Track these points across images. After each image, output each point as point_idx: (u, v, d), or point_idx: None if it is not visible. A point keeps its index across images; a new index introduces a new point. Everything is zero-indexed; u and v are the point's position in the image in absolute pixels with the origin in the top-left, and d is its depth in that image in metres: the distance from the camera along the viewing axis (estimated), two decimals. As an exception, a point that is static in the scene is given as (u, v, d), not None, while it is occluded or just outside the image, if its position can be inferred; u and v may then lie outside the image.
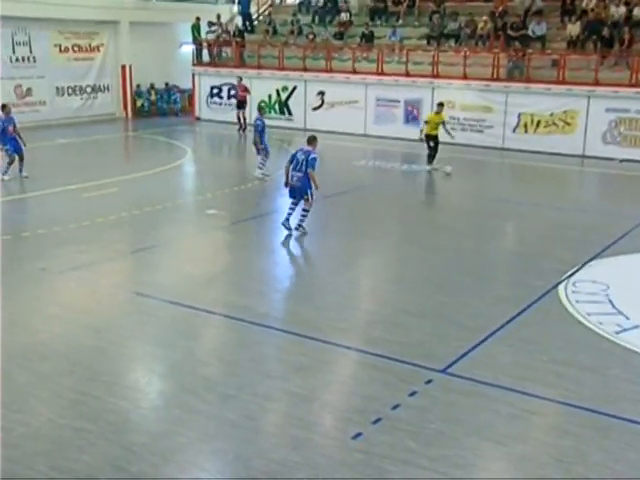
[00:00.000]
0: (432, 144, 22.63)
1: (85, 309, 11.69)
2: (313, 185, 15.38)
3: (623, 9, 27.03)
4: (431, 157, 22.78)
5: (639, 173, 23.17)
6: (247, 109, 29.98)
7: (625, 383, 9.52)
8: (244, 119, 29.68)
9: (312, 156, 15.38)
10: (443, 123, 22.77)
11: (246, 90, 30.04)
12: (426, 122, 22.91)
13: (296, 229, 15.68)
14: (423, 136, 22.80)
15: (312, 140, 15.72)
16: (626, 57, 25.56)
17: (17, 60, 29.77)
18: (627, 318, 11.50)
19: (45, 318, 11.40)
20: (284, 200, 18.98)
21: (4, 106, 20.48)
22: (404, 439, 7.99)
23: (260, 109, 22.41)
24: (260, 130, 21.12)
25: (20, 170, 20.14)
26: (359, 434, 8.07)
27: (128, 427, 8.37)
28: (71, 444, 7.92)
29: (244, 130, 29.26)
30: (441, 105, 22.96)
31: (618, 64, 25.62)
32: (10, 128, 20.00)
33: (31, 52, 30.14)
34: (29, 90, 30.24)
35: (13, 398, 8.89)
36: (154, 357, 10.41)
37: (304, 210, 15.73)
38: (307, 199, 15.56)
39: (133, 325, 11.34)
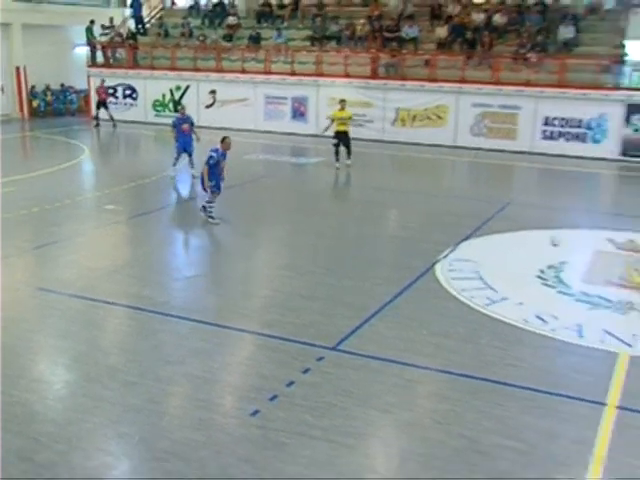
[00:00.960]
0: (341, 141, 22.17)
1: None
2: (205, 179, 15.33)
3: (483, 15, 27.79)
4: (338, 154, 22.24)
5: (503, 161, 23.87)
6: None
7: (494, 350, 9.86)
8: (110, 116, 30.36)
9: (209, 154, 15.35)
10: (350, 119, 22.44)
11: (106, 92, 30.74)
12: (332, 120, 22.48)
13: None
14: (324, 132, 22.63)
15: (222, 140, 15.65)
16: (487, 58, 26.24)
17: None
18: (495, 292, 11.87)
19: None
20: (178, 195, 18.95)
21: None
22: (299, 413, 8.06)
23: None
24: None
25: None
26: (257, 411, 8.10)
27: (34, 418, 8.14)
28: (-24, 438, 7.70)
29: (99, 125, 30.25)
30: (343, 101, 22.58)
31: (481, 64, 26.30)
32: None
33: None
34: None
35: None
36: (58, 349, 10.16)
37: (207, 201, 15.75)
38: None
39: (37, 319, 11.05)
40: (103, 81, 30.50)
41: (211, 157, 15.31)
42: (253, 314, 11.13)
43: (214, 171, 15.38)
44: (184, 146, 20.22)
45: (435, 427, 7.95)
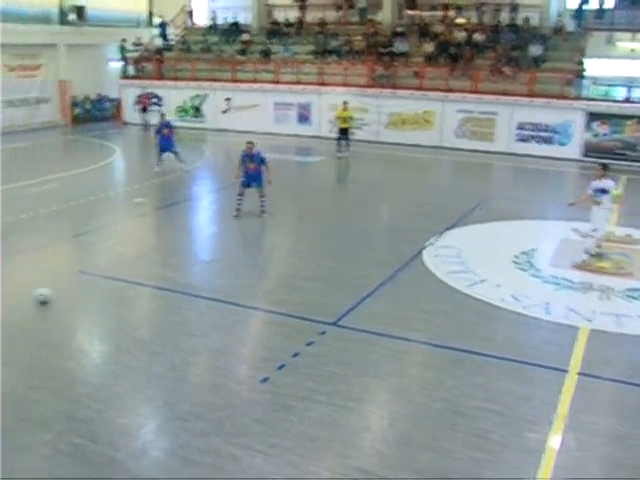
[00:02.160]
0: (343, 135, 23.42)
1: (35, 286, 11.30)
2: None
3: (464, 34, 27.71)
4: (339, 144, 23.45)
5: (482, 160, 23.79)
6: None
7: (474, 325, 9.89)
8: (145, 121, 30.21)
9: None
10: (351, 118, 23.64)
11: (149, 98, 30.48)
12: (337, 118, 23.86)
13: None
14: (337, 129, 23.84)
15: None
16: (468, 70, 26.16)
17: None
18: (476, 274, 11.83)
19: (1, 294, 10.99)
20: (199, 188, 18.94)
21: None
22: (304, 380, 8.08)
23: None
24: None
25: None
26: (267, 378, 8.12)
27: (75, 382, 8.20)
28: (29, 399, 7.76)
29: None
30: (346, 103, 23.79)
31: (463, 75, 26.19)
32: None
33: (-16, 72, 28.98)
34: (-18, 104, 29.02)
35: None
36: (95, 324, 10.19)
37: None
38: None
39: (77, 298, 11.05)
40: (144, 89, 30.45)
41: (241, 156, 15.52)
42: (263, 293, 11.10)
43: (242, 168, 15.44)
44: (165, 147, 20.48)
45: (422, 392, 7.97)
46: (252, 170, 15.39)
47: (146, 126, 29.58)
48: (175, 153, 20.64)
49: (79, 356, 9.07)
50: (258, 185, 15.48)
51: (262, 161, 15.40)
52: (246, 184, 15.50)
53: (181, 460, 6.62)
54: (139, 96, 31.28)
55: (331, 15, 32.38)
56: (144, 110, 30.52)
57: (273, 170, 15.66)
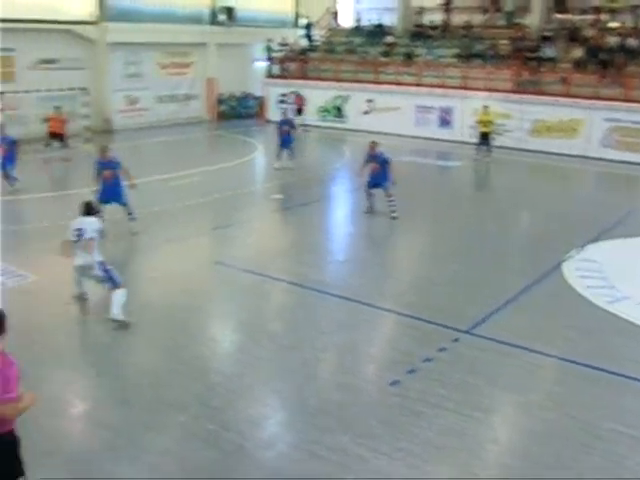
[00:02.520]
0: (484, 140, 23.19)
1: (176, 274, 11.82)
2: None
3: (617, 38, 26.44)
4: (479, 149, 23.29)
5: (630, 172, 22.60)
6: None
7: (614, 343, 9.38)
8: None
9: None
10: (492, 122, 23.35)
11: (302, 99, 30.12)
12: (478, 122, 23.50)
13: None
14: (477, 133, 23.52)
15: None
16: (620, 78, 24.94)
17: (129, 76, 30.22)
18: (618, 291, 11.27)
19: (145, 280, 11.54)
20: (336, 188, 19.08)
21: None
22: (434, 386, 7.97)
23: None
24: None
25: None
26: (396, 381, 8.07)
27: (208, 370, 8.48)
28: (166, 381, 8.09)
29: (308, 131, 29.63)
30: (486, 107, 23.38)
31: (614, 83, 25.01)
32: None
33: (139, 69, 30.59)
34: (137, 99, 30.70)
35: (125, 341, 9.15)
36: (230, 314, 10.50)
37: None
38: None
39: (215, 288, 11.45)
40: (297, 91, 30.50)
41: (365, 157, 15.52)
42: (395, 295, 11.04)
43: (367, 168, 15.49)
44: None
45: (553, 409, 7.66)
46: (375, 170, 15.39)
47: (305, 127, 29.46)
48: (290, 150, 20.92)
49: (213, 345, 9.39)
50: (382, 186, 15.44)
51: (385, 162, 15.36)
52: (371, 185, 15.52)
53: (307, 454, 6.69)
54: (294, 98, 31.18)
55: (477, 18, 31.88)
56: (299, 112, 30.22)
57: (397, 171, 15.55)
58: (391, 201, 15.37)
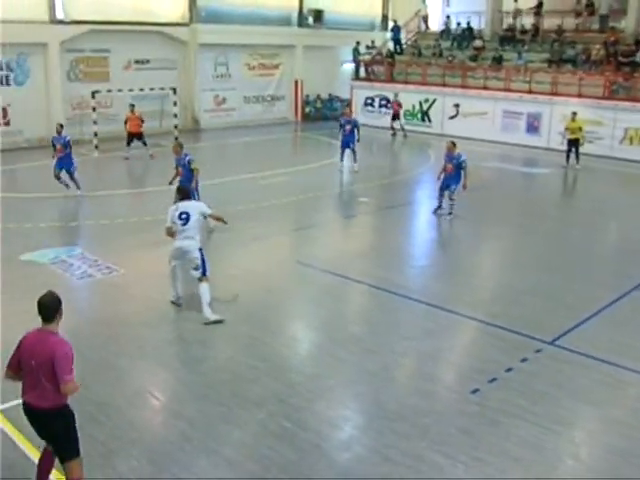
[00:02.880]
0: (572, 147, 22.65)
1: (258, 271, 11.96)
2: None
3: None
4: (568, 157, 22.70)
5: None
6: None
7: None
8: (401, 127, 29.40)
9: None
10: (580, 129, 22.68)
11: (399, 105, 29.63)
12: (566, 129, 22.87)
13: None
14: (566, 141, 23.01)
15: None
16: None
17: (217, 77, 30.95)
18: None
19: (227, 277, 11.72)
20: (420, 192, 18.92)
21: None
22: (515, 397, 7.81)
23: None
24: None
25: None
26: (477, 390, 7.95)
27: (288, 369, 8.55)
28: (245, 377, 8.19)
29: (395, 135, 29.36)
30: (574, 113, 22.73)
31: None
32: None
33: (227, 70, 31.25)
34: (224, 99, 31.34)
35: (206, 337, 9.33)
36: (311, 314, 10.55)
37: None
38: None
39: (296, 288, 11.52)
40: (396, 95, 29.93)
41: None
42: (478, 303, 10.85)
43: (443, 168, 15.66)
44: (346, 144, 20.07)
45: (638, 427, 7.36)
46: (449, 171, 15.29)
47: (404, 132, 29.24)
48: (353, 151, 20.78)
49: (294, 343, 9.46)
50: (449, 188, 15.42)
51: (460, 165, 15.28)
52: (445, 186, 15.39)
53: (383, 458, 6.65)
54: (392, 102, 30.55)
55: (569, 22, 31.04)
56: (395, 117, 29.58)
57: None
58: (452, 203, 15.50)
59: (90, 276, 11.58)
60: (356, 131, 20.80)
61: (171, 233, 9.80)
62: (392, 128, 29.50)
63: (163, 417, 7.58)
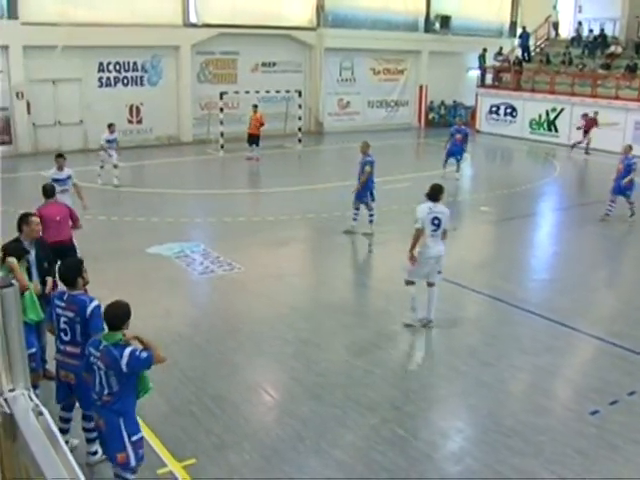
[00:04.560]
0: None
1: (376, 277, 12.00)
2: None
3: None
4: None
5: None
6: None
7: None
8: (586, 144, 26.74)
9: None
10: None
11: (594, 122, 26.62)
12: None
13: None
14: None
15: None
16: None
17: (342, 80, 31.32)
18: None
19: (344, 280, 11.81)
20: (545, 204, 18.36)
21: None
22: (636, 422, 7.51)
23: None
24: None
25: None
26: (596, 411, 7.69)
27: (405, 375, 8.54)
28: (361, 382, 8.25)
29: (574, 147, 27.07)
30: None
31: None
32: None
33: (352, 74, 31.57)
34: (348, 103, 31.65)
35: (323, 339, 9.43)
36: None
37: None
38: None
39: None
40: (596, 113, 26.65)
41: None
42: (603, 321, 10.48)
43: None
44: (452, 152, 20.77)
45: None
46: (621, 172, 15.86)
47: (587, 149, 26.74)
48: (458, 160, 20.62)
49: (411, 351, 9.47)
50: (626, 194, 15.81)
51: (630, 167, 15.81)
52: (617, 190, 15.96)
53: (493, 473, 6.54)
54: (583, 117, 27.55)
55: None
56: (586, 133, 26.78)
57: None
58: (632, 211, 15.75)
59: (212, 272, 11.98)
60: (466, 141, 20.81)
61: (417, 238, 9.44)
62: (579, 143, 27.05)
63: (277, 415, 7.74)
